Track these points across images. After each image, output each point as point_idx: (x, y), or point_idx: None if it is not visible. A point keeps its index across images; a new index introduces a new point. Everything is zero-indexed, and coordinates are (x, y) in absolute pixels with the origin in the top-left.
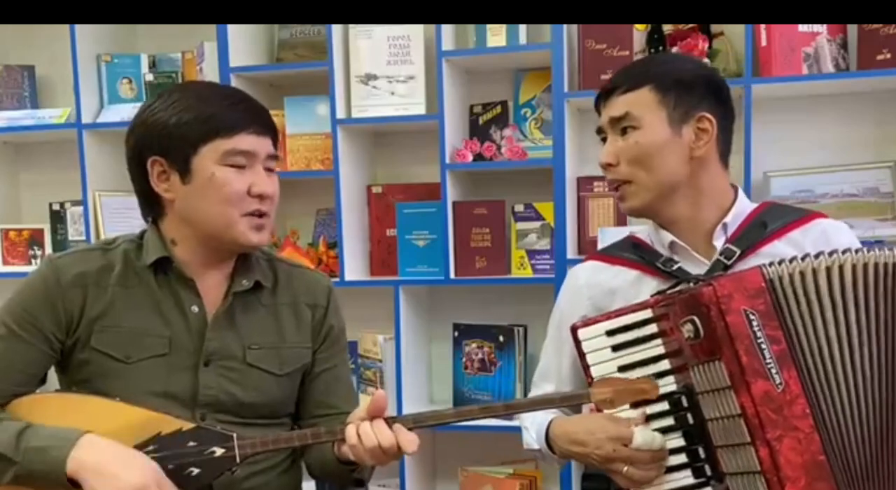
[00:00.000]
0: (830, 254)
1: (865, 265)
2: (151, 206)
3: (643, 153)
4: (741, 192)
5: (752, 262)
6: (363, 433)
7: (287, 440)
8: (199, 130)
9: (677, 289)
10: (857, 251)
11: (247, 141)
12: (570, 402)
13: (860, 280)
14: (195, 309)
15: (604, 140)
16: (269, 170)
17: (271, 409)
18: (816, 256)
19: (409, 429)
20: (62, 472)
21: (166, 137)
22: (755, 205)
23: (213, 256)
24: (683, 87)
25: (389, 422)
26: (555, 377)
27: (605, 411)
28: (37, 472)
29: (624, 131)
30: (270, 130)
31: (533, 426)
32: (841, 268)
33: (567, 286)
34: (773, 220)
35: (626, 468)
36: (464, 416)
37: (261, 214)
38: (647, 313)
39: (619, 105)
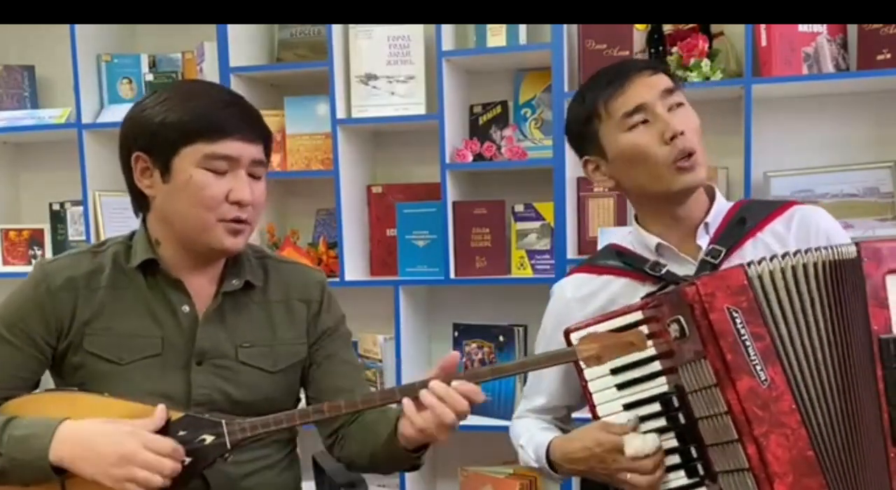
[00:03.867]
0: (808, 251)
1: (837, 261)
2: (138, 201)
3: (698, 127)
4: (718, 192)
5: (738, 258)
6: (447, 396)
7: (276, 422)
8: (181, 132)
9: (665, 290)
10: (828, 249)
11: (230, 146)
12: (557, 362)
13: (829, 276)
14: (186, 309)
15: (636, 125)
16: (253, 176)
17: (266, 407)
18: (795, 254)
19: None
20: (45, 461)
21: (151, 135)
22: (731, 204)
23: (196, 258)
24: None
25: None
26: (545, 392)
27: (588, 368)
28: (21, 463)
29: (672, 108)
30: (260, 136)
31: (530, 445)
32: (816, 264)
33: (554, 301)
34: (751, 216)
35: (628, 475)
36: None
37: (239, 221)
38: (638, 315)
39: (664, 80)
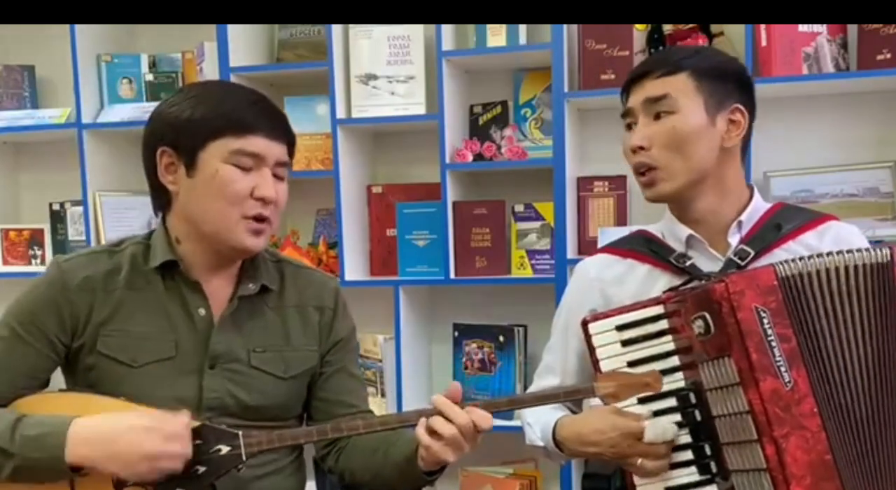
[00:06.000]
0: (839, 253)
1: (873, 264)
2: (160, 198)
3: (679, 138)
4: (757, 192)
5: (766, 262)
6: (455, 415)
7: (293, 437)
8: (210, 126)
9: (690, 285)
10: (865, 250)
11: (257, 143)
12: (573, 397)
13: (864, 279)
14: (202, 312)
15: (628, 126)
16: (277, 177)
17: (277, 413)
18: (828, 255)
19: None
20: (61, 461)
21: (178, 129)
22: (769, 205)
23: (215, 258)
24: (719, 76)
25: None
26: (560, 371)
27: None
28: (35, 462)
29: (657, 116)
30: (286, 137)
31: (537, 424)
32: (851, 267)
33: (576, 279)
34: (786, 222)
35: (640, 460)
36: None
37: (262, 219)
38: (659, 309)
39: (657, 86)
